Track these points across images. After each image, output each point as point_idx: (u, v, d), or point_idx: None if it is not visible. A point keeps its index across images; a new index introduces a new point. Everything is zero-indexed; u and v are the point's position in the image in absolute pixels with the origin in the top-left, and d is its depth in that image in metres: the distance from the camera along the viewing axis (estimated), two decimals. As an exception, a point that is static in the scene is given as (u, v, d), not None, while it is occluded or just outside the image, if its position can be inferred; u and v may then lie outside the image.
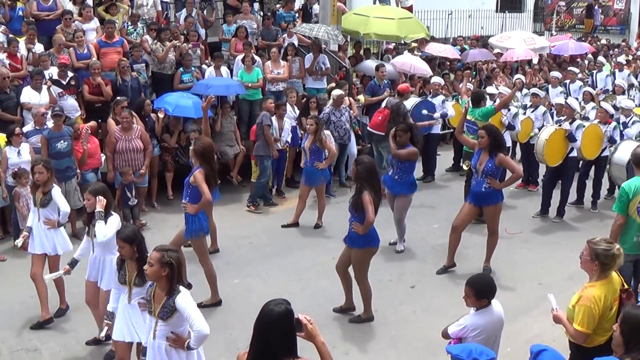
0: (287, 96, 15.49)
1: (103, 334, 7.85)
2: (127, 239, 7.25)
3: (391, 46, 21.66)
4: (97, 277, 8.40)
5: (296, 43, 17.51)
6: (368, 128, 14.98)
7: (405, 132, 11.63)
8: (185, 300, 6.34)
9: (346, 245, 9.44)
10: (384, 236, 11.42)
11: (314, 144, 12.94)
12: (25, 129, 12.60)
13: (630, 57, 24.78)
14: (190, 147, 10.38)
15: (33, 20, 15.12)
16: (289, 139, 14.67)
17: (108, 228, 8.04)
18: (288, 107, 15.11)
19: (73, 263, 8.58)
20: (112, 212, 8.26)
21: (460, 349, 5.21)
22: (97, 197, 8.12)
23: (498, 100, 14.57)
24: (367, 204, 8.98)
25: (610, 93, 18.93)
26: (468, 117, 13.56)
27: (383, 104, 15.23)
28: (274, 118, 14.21)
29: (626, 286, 6.64)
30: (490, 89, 16.81)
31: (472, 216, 11.03)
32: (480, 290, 6.40)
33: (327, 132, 13.59)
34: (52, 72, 13.82)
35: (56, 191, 9.36)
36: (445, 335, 6.57)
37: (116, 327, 7.56)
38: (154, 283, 6.55)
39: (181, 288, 6.42)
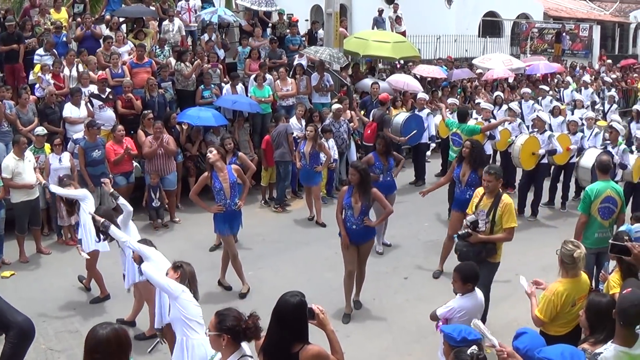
0: (296, 110, 15.45)
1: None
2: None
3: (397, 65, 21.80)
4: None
5: (305, 63, 17.51)
6: (364, 142, 14.95)
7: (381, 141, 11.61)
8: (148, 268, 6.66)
9: (354, 244, 9.06)
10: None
11: (313, 148, 12.94)
12: (76, 136, 12.80)
13: (593, 77, 24.94)
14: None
15: (75, 44, 15.34)
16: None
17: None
18: (294, 119, 15.07)
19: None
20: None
21: (452, 328, 5.39)
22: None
23: (482, 115, 14.59)
24: (381, 199, 9.08)
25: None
26: (454, 130, 13.50)
27: (370, 117, 15.21)
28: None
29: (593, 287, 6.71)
30: (477, 100, 17.46)
31: (461, 222, 10.42)
32: (466, 276, 6.53)
33: (331, 141, 13.55)
34: (92, 88, 13.87)
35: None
36: (433, 317, 6.64)
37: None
38: None
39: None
